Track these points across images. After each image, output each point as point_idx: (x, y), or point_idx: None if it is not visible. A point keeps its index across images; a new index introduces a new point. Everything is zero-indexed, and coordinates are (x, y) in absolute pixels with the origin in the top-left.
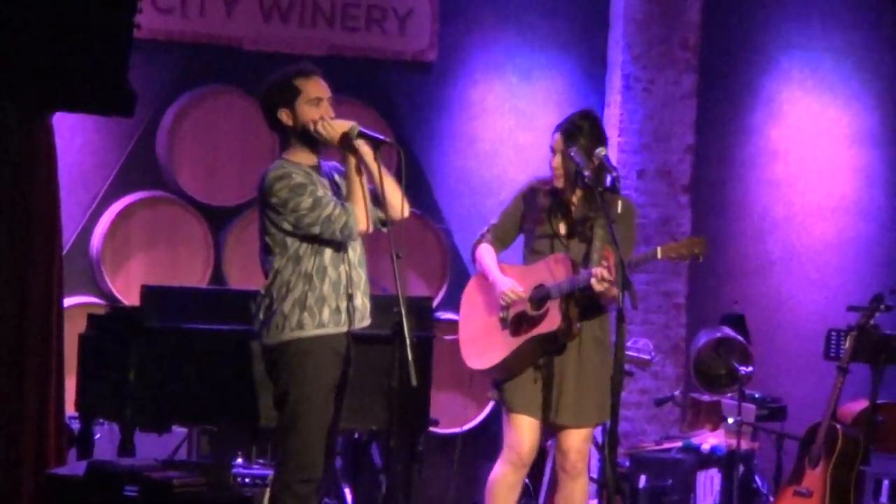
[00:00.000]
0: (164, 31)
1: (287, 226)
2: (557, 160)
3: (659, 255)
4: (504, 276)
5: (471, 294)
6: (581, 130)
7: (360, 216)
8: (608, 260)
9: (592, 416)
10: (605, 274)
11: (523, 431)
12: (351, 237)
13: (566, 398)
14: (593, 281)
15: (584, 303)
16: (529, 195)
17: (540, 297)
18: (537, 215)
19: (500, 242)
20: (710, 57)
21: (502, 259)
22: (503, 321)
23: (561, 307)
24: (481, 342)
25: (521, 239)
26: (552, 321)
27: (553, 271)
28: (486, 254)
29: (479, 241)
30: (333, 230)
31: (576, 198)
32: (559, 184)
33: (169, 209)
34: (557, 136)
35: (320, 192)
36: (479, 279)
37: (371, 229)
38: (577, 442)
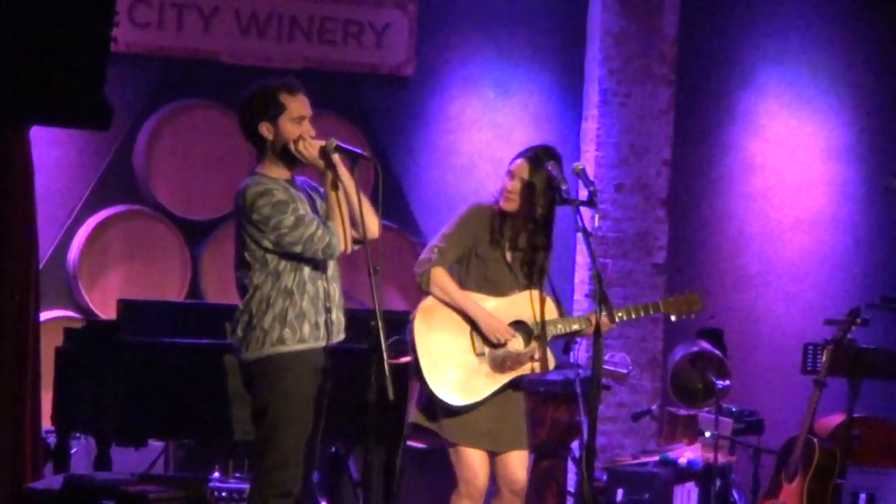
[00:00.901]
0: (141, 45)
1: (267, 243)
2: (516, 185)
3: (662, 310)
4: (484, 310)
5: (426, 319)
6: (545, 164)
7: (344, 237)
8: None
9: (524, 439)
10: (609, 323)
11: (476, 465)
12: (332, 256)
13: (509, 423)
14: (592, 321)
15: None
16: (479, 219)
17: (525, 334)
18: (485, 240)
19: (446, 265)
20: (688, 71)
21: None
22: (480, 355)
23: (544, 347)
24: (456, 376)
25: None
26: (543, 364)
27: (531, 308)
28: (449, 281)
29: (432, 265)
30: (315, 249)
31: (521, 224)
32: (509, 207)
33: (146, 223)
34: (522, 162)
35: (302, 210)
36: (436, 304)
37: (350, 250)
38: (523, 462)
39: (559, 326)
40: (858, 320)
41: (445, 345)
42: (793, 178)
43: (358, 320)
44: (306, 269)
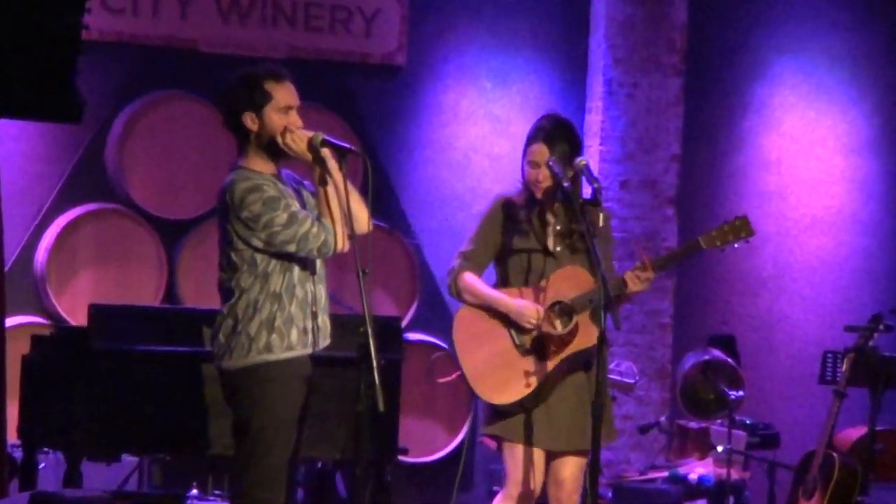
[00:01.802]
0: (114, 33)
1: (258, 242)
2: (545, 173)
3: (703, 245)
4: (515, 299)
5: (466, 327)
6: (561, 138)
7: (339, 233)
8: (643, 257)
9: (587, 439)
10: (645, 274)
11: (527, 464)
12: (328, 255)
13: (562, 422)
14: (630, 279)
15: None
16: (504, 213)
17: (561, 312)
18: (519, 232)
19: (479, 269)
20: (698, 61)
21: None
22: (520, 347)
23: (592, 319)
24: (500, 375)
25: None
26: (589, 335)
27: (567, 285)
28: (478, 281)
29: (458, 272)
30: (311, 248)
31: (554, 209)
32: (540, 195)
33: (119, 222)
34: (541, 147)
35: (294, 207)
36: (471, 311)
37: (347, 248)
38: (575, 469)
39: (594, 296)
40: (881, 326)
41: (487, 348)
42: (810, 175)
43: (346, 326)
44: (296, 271)
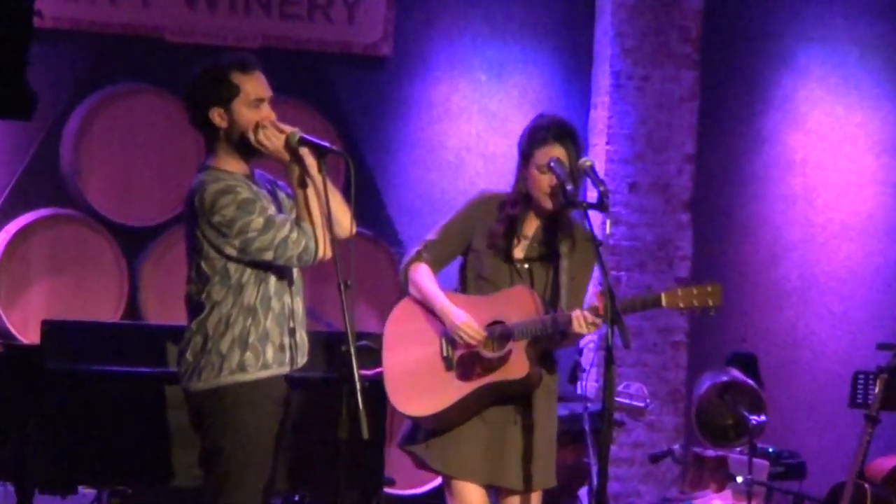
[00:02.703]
0: (70, 20)
1: (231, 250)
2: (554, 178)
3: (663, 303)
4: (455, 306)
5: (400, 320)
6: (569, 138)
7: (321, 238)
8: (599, 300)
9: (542, 477)
10: (594, 318)
11: (474, 501)
12: (309, 263)
13: (513, 456)
14: (575, 324)
15: (544, 347)
16: (482, 210)
17: (499, 335)
18: (492, 236)
19: (438, 264)
20: (715, 50)
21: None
22: (447, 360)
23: (526, 351)
24: (417, 382)
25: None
26: (518, 367)
27: (514, 307)
28: (426, 277)
29: (413, 260)
30: (290, 256)
31: (544, 219)
32: (548, 205)
33: (75, 229)
34: (555, 148)
35: (271, 210)
36: (412, 304)
37: (330, 254)
38: None
39: (538, 327)
40: None
41: (413, 351)
42: (839, 177)
43: (326, 344)
44: (272, 282)
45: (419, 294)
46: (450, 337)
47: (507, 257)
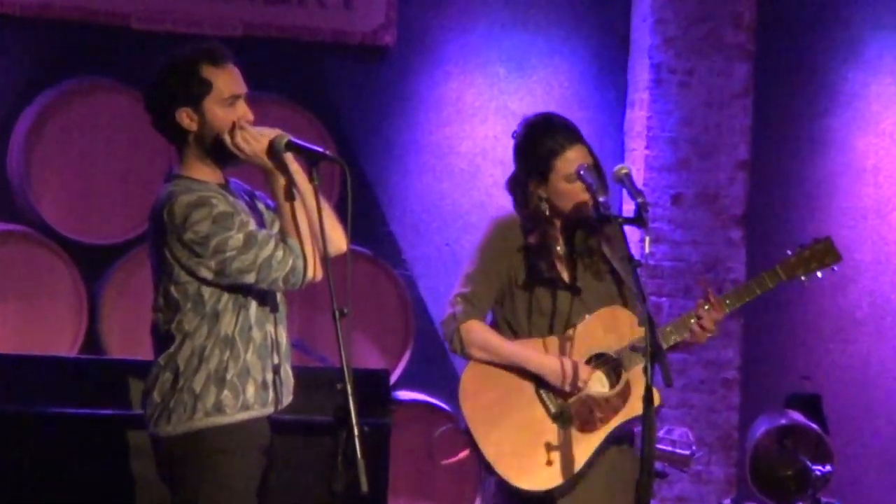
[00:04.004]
0: (20, 5)
1: (206, 272)
2: (582, 186)
3: (782, 276)
4: (547, 355)
5: (479, 394)
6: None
7: (310, 257)
8: (708, 292)
9: None
10: (716, 315)
11: None
12: (297, 286)
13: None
14: (694, 327)
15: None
16: (507, 245)
17: (607, 369)
18: (533, 267)
19: (484, 315)
20: (772, 40)
21: None
22: (560, 416)
23: (645, 375)
24: (534, 451)
25: None
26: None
27: (607, 332)
28: (490, 332)
29: (462, 322)
30: (275, 278)
31: (567, 228)
32: (577, 213)
33: (25, 249)
34: (579, 150)
35: (252, 226)
36: (483, 370)
37: (320, 276)
38: None
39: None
40: None
41: (512, 420)
42: None
43: (318, 382)
44: (253, 309)
45: (492, 355)
46: (549, 391)
47: (558, 282)
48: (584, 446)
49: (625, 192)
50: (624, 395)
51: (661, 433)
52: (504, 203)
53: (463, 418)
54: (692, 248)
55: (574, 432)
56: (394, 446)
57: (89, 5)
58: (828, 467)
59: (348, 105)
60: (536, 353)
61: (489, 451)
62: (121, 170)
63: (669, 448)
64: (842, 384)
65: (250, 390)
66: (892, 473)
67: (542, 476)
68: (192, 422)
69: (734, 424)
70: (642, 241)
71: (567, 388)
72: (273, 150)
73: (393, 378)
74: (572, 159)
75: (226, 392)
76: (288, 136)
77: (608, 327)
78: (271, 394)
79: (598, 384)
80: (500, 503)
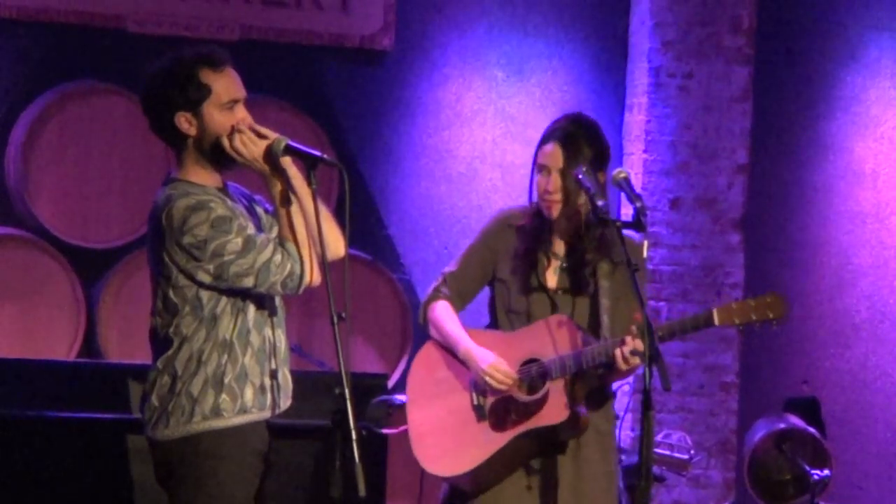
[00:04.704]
0: (16, 7)
1: (204, 276)
2: (556, 181)
3: (716, 321)
4: (480, 347)
5: (424, 370)
6: (583, 141)
7: (308, 261)
8: (636, 323)
9: None
10: (638, 345)
11: None
12: (295, 291)
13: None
14: (618, 356)
15: (591, 383)
16: (502, 234)
17: (534, 375)
18: (516, 261)
19: (461, 298)
20: (771, 44)
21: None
22: (478, 409)
23: (566, 390)
24: (447, 438)
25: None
26: (556, 410)
27: (551, 341)
28: (447, 315)
29: (433, 298)
30: (273, 283)
31: (569, 235)
32: (553, 213)
33: (22, 252)
34: (554, 147)
35: (251, 230)
36: (435, 350)
37: (319, 281)
38: None
39: (575, 362)
40: None
41: (442, 403)
42: None
43: (316, 386)
44: (251, 313)
45: (440, 336)
46: (479, 383)
47: (539, 284)
48: (490, 444)
49: (623, 195)
50: (540, 403)
51: (659, 437)
52: (502, 206)
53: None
54: (691, 252)
55: (486, 428)
56: (392, 450)
57: (86, 8)
58: (826, 471)
59: (346, 108)
60: (472, 348)
61: (412, 430)
62: (118, 173)
63: (667, 452)
64: (840, 388)
65: (248, 394)
66: (891, 477)
67: (443, 462)
68: (189, 425)
69: (733, 428)
70: (640, 245)
71: (483, 385)
72: (271, 154)
73: (391, 382)
74: (546, 153)
75: (224, 396)
76: (286, 140)
77: (551, 335)
78: (269, 398)
79: (520, 388)
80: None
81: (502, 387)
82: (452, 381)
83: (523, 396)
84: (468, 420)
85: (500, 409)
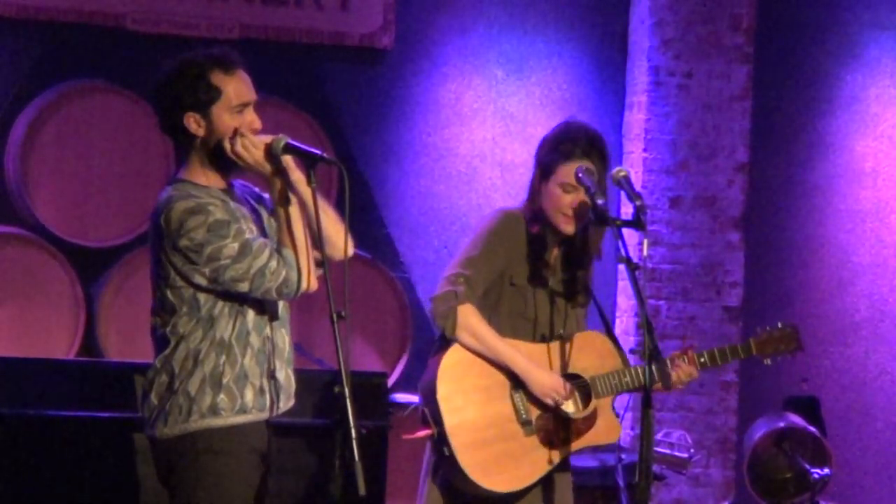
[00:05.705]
0: (15, 6)
1: (200, 279)
2: (580, 197)
3: (754, 352)
4: (532, 363)
5: (458, 376)
6: (596, 153)
7: (304, 268)
8: (688, 353)
9: None
10: (694, 373)
11: None
12: (291, 296)
13: None
14: (675, 379)
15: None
16: (513, 239)
17: (580, 392)
18: (532, 269)
19: (477, 301)
20: (771, 42)
21: None
22: (526, 423)
23: (611, 407)
24: (496, 450)
25: None
26: (610, 429)
27: (587, 355)
28: (484, 323)
29: (461, 301)
30: (268, 288)
31: (560, 241)
32: (570, 229)
33: (22, 251)
34: (585, 162)
35: (249, 234)
36: (466, 355)
37: (314, 287)
38: None
39: (625, 380)
40: None
41: (481, 412)
42: None
43: (316, 385)
44: (250, 315)
45: (478, 343)
46: (523, 396)
47: (551, 291)
48: (544, 460)
49: (623, 194)
50: (589, 422)
51: (659, 436)
52: (501, 204)
53: (431, 395)
54: (691, 251)
55: (537, 443)
56: (392, 449)
57: (85, 7)
58: (826, 470)
59: (346, 107)
60: (522, 359)
61: (453, 436)
62: (118, 171)
63: (667, 451)
64: (840, 387)
65: (248, 395)
66: (890, 476)
67: (501, 477)
68: (187, 423)
69: (732, 427)
70: (640, 243)
71: (547, 401)
72: (271, 153)
73: (391, 380)
74: (571, 171)
75: (222, 395)
76: (286, 138)
77: (586, 350)
78: (269, 398)
79: (570, 405)
80: (444, 476)
81: (560, 403)
82: (488, 390)
83: (576, 414)
84: (515, 434)
85: (547, 425)
